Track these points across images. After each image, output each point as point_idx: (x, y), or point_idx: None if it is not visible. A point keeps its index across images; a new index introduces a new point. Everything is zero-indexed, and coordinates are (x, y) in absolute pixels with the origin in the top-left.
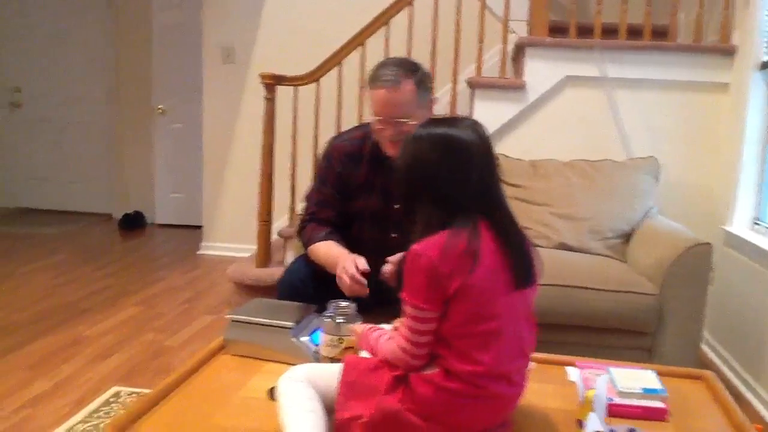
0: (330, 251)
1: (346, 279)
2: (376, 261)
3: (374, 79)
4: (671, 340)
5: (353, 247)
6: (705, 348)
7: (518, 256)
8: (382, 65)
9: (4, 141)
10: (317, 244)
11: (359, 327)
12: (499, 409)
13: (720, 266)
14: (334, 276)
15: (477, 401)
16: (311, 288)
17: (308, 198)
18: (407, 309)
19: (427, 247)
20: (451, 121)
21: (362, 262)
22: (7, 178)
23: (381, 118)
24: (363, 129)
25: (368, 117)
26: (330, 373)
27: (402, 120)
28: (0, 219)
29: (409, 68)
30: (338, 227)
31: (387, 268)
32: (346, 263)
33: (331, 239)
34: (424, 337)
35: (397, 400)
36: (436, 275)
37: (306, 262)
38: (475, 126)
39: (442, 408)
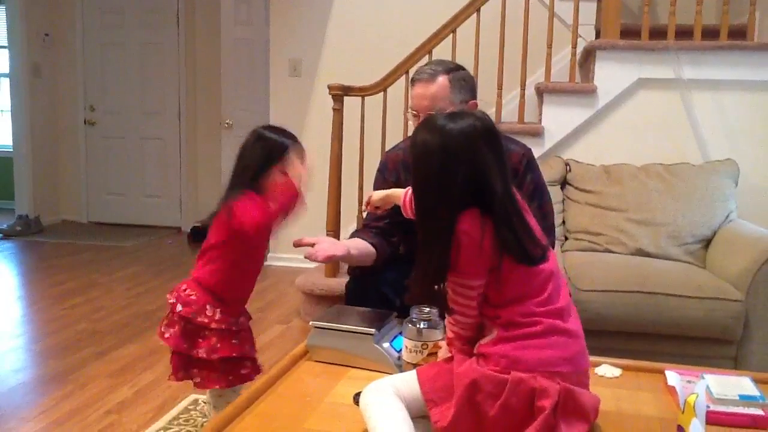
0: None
1: None
2: None
3: (414, 76)
4: (758, 348)
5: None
6: None
7: None
8: (425, 64)
9: (81, 158)
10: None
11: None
12: (564, 345)
13: None
14: None
15: (538, 339)
16: None
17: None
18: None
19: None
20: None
21: None
22: (84, 193)
23: (416, 112)
24: None
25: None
26: (414, 382)
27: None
28: (78, 233)
29: (447, 66)
30: (386, 233)
31: None
32: None
33: (358, 236)
34: (472, 301)
35: (473, 364)
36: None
37: None
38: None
39: (510, 352)
